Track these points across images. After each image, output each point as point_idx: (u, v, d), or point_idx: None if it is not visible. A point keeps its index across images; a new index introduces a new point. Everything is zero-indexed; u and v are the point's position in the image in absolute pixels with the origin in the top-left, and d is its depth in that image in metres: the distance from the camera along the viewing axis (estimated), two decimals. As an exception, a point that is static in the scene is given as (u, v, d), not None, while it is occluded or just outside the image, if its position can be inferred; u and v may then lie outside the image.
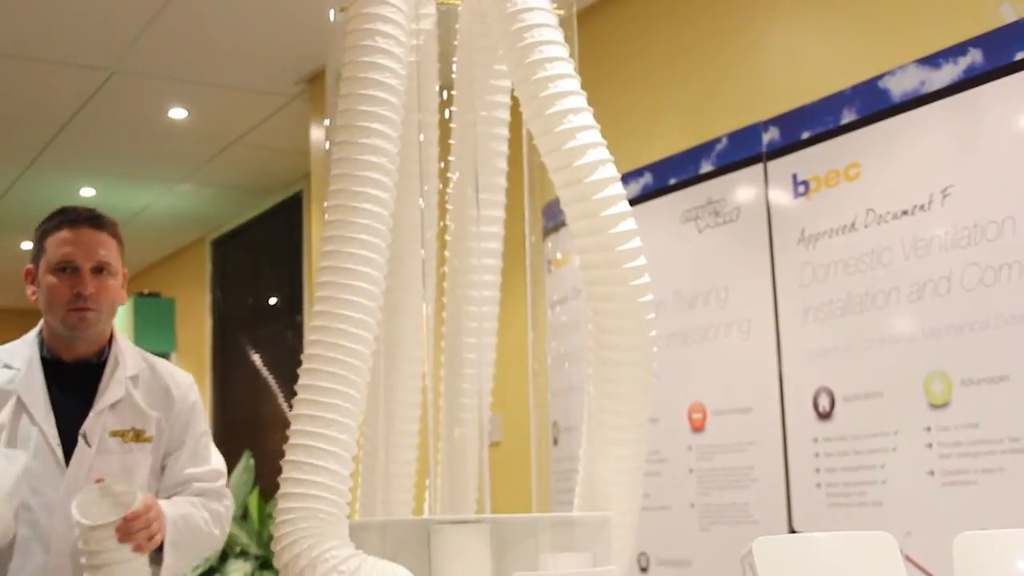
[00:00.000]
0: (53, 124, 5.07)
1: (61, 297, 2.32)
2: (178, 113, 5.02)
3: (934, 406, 2.50)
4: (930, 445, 2.50)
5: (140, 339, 6.99)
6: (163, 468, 2.44)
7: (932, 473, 2.49)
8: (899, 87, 2.64)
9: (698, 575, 3.06)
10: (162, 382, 2.47)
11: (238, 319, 6.62)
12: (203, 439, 2.52)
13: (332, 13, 2.03)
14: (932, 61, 2.58)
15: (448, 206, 2.32)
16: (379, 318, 1.84)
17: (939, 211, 2.53)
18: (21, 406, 2.34)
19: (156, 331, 7.07)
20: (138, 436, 2.40)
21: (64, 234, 2.37)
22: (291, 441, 1.75)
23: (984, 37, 2.49)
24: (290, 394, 1.86)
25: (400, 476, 2.29)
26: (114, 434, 2.35)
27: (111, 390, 2.38)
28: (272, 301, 6.27)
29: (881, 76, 2.69)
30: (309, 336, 1.81)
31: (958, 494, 2.44)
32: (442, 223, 2.34)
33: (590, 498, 2.12)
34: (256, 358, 6.33)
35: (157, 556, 2.29)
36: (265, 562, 4.15)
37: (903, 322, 2.58)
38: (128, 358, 2.45)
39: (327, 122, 2.01)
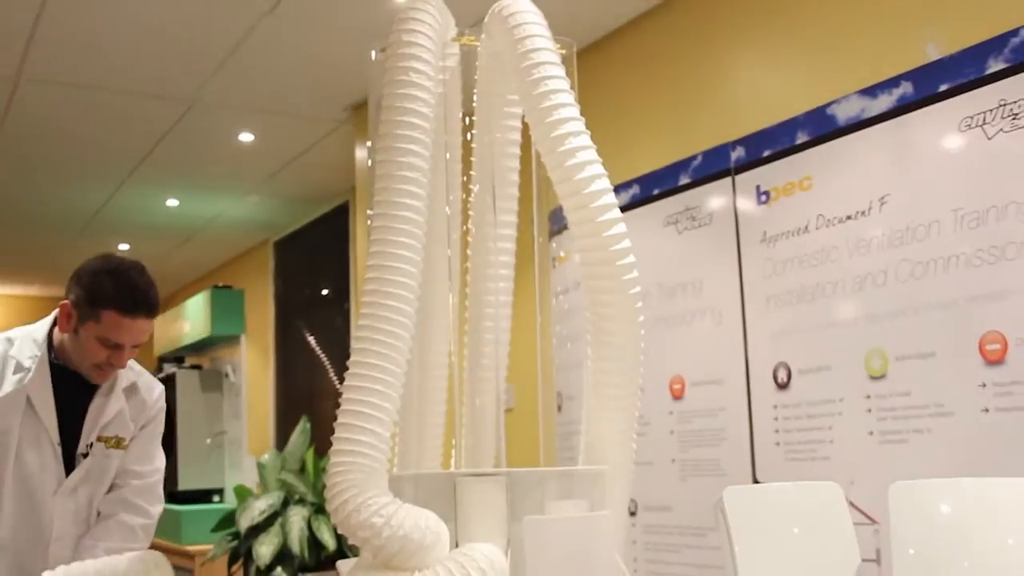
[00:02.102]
0: (144, 146, 5.09)
1: (95, 359, 2.24)
2: (246, 137, 5.02)
3: (873, 378, 2.49)
4: (869, 410, 2.50)
5: (216, 325, 7.00)
6: None
7: (871, 433, 2.49)
8: (844, 113, 2.63)
9: (677, 518, 3.06)
10: (141, 392, 2.40)
11: (296, 307, 6.63)
12: (154, 441, 2.44)
13: (374, 53, 2.03)
14: (871, 92, 2.57)
15: (470, 213, 2.32)
16: (416, 307, 1.84)
17: (877, 216, 2.52)
18: (31, 408, 2.24)
19: (229, 317, 7.07)
20: (118, 443, 2.34)
21: (120, 318, 2.22)
22: (342, 408, 1.75)
23: (914, 72, 2.48)
24: (339, 369, 1.87)
25: (431, 437, 2.29)
26: (100, 439, 2.28)
27: (111, 404, 2.32)
28: (324, 292, 6.27)
29: (829, 104, 2.69)
30: (359, 321, 1.81)
31: (892, 451, 2.43)
32: (465, 227, 2.34)
33: (591, 454, 2.12)
34: (311, 339, 6.34)
35: None
36: (319, 507, 4.16)
37: (847, 308, 2.58)
38: (122, 372, 2.36)
39: (369, 143, 2.01)
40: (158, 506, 2.46)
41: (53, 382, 2.27)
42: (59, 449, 2.25)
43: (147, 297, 2.25)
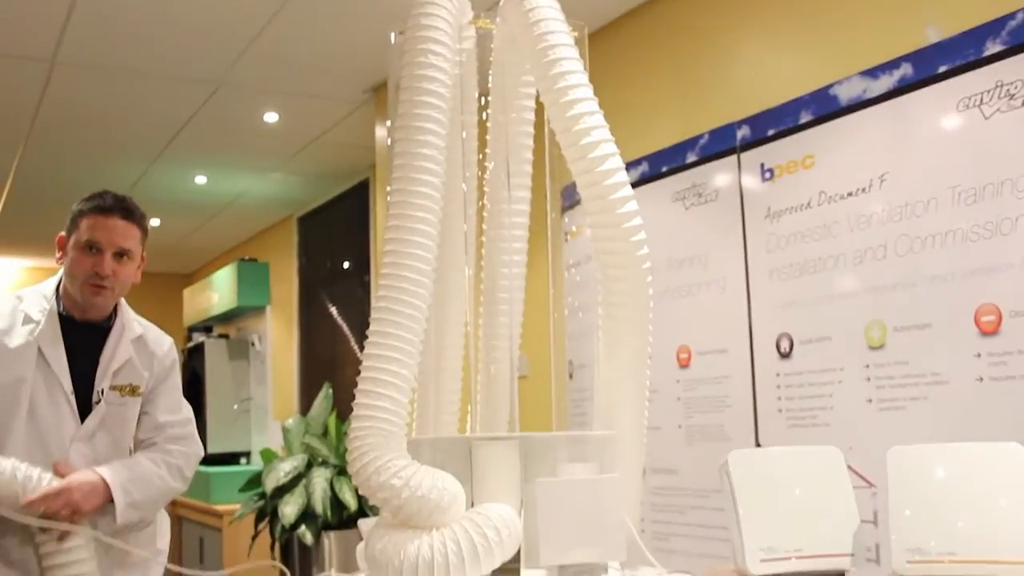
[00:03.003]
0: (173, 127, 5.09)
1: (82, 271, 2.23)
2: (271, 117, 5.02)
3: (872, 348, 2.49)
4: (868, 379, 2.49)
5: (242, 296, 7.02)
6: (141, 415, 2.35)
7: (870, 401, 2.49)
8: (846, 94, 2.61)
9: (683, 480, 3.07)
10: (151, 346, 2.39)
11: (319, 279, 6.64)
12: (176, 392, 2.43)
13: (393, 36, 2.02)
14: (872, 73, 2.55)
15: (485, 189, 2.31)
16: (433, 278, 1.84)
17: (877, 193, 2.51)
18: (43, 359, 2.22)
19: (254, 289, 7.09)
20: (133, 391, 2.32)
21: (96, 219, 2.24)
22: (363, 375, 1.76)
23: (914, 54, 2.46)
24: (360, 338, 1.87)
25: (447, 403, 2.30)
26: (114, 388, 2.27)
27: (120, 352, 2.30)
28: (345, 265, 6.28)
29: (831, 85, 2.66)
30: (378, 292, 1.81)
31: (890, 417, 2.43)
32: (480, 202, 2.33)
33: (603, 420, 2.12)
34: (333, 310, 6.35)
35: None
36: (341, 470, 4.18)
37: (848, 281, 2.57)
38: (131, 323, 2.35)
39: (388, 123, 2.01)
40: (197, 447, 2.45)
41: (64, 334, 2.26)
42: (72, 398, 2.23)
43: (121, 202, 2.28)
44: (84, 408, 2.26)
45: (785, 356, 2.74)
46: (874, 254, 2.50)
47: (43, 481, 2.10)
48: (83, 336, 2.29)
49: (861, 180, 2.55)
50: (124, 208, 2.27)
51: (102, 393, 2.26)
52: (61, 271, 2.32)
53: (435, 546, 1.67)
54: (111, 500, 2.22)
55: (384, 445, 1.71)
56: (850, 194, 2.58)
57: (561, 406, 2.40)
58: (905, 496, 1.23)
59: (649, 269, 2.10)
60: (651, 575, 2.09)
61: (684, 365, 3.09)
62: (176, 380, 2.49)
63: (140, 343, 2.37)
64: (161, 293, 7.98)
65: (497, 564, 1.75)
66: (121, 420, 2.30)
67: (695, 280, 3.07)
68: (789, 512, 1.28)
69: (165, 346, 2.45)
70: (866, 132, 2.55)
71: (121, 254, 2.25)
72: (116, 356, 2.30)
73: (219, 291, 7.36)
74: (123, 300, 2.38)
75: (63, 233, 2.29)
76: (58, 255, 2.29)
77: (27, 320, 2.24)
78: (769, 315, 2.80)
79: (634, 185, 2.05)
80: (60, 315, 2.27)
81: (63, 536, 2.11)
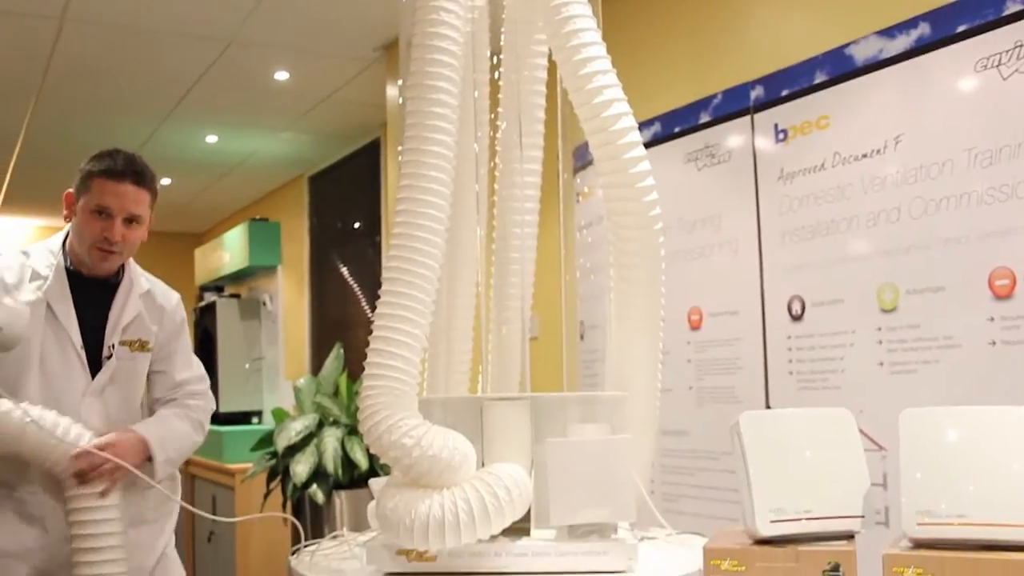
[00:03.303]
0: (184, 85, 5.07)
1: (91, 234, 2.21)
2: (282, 75, 5.00)
3: (884, 311, 2.48)
4: (880, 342, 2.49)
5: (254, 256, 7.03)
6: (155, 374, 2.36)
7: (881, 364, 2.48)
8: (861, 54, 2.59)
9: (693, 442, 3.08)
10: (159, 300, 2.38)
11: (330, 239, 6.64)
12: (188, 349, 2.45)
13: (404, -7, 2.00)
14: (889, 32, 2.52)
15: (497, 148, 2.31)
16: (445, 238, 1.84)
17: (892, 155, 2.49)
18: (52, 315, 2.22)
19: (265, 249, 7.09)
20: (143, 346, 2.32)
21: (107, 183, 2.21)
22: (374, 334, 1.77)
23: (932, 13, 2.43)
24: (370, 298, 1.87)
25: (458, 363, 2.31)
26: (123, 343, 2.27)
27: (129, 307, 2.30)
28: (356, 225, 6.28)
29: (847, 45, 2.64)
30: (389, 252, 1.81)
31: (901, 381, 2.43)
32: (492, 162, 2.33)
33: (615, 381, 2.13)
34: (344, 270, 6.36)
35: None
36: (352, 429, 4.20)
37: (861, 244, 2.56)
38: (138, 278, 2.35)
39: (400, 82, 2.00)
40: (212, 402, 2.48)
41: (71, 289, 2.25)
42: (83, 353, 2.23)
43: (133, 165, 2.24)
44: (94, 363, 2.26)
45: (797, 319, 2.73)
46: (888, 216, 2.48)
47: (83, 438, 2.13)
48: (91, 291, 2.29)
49: (876, 142, 2.53)
50: (135, 172, 2.24)
51: (112, 348, 2.26)
52: (68, 226, 2.31)
53: (446, 505, 1.69)
54: (148, 458, 2.27)
55: (396, 404, 1.72)
56: (865, 156, 2.56)
57: (572, 367, 2.41)
58: (916, 459, 1.23)
59: (661, 230, 2.09)
60: (661, 536, 2.10)
61: (695, 327, 3.09)
62: (187, 336, 2.51)
63: (148, 298, 2.37)
64: (172, 253, 7.99)
65: (507, 524, 1.76)
66: (131, 375, 2.31)
67: (707, 242, 3.06)
68: (799, 473, 1.29)
69: (173, 301, 2.45)
70: (882, 93, 2.53)
71: (131, 219, 2.24)
72: (125, 311, 2.30)
73: (230, 251, 7.37)
74: (131, 259, 2.38)
75: (71, 190, 2.27)
76: (65, 212, 2.28)
77: (35, 276, 2.23)
78: (781, 277, 2.79)
79: (647, 145, 2.04)
80: (68, 270, 2.27)
81: (104, 493, 2.14)
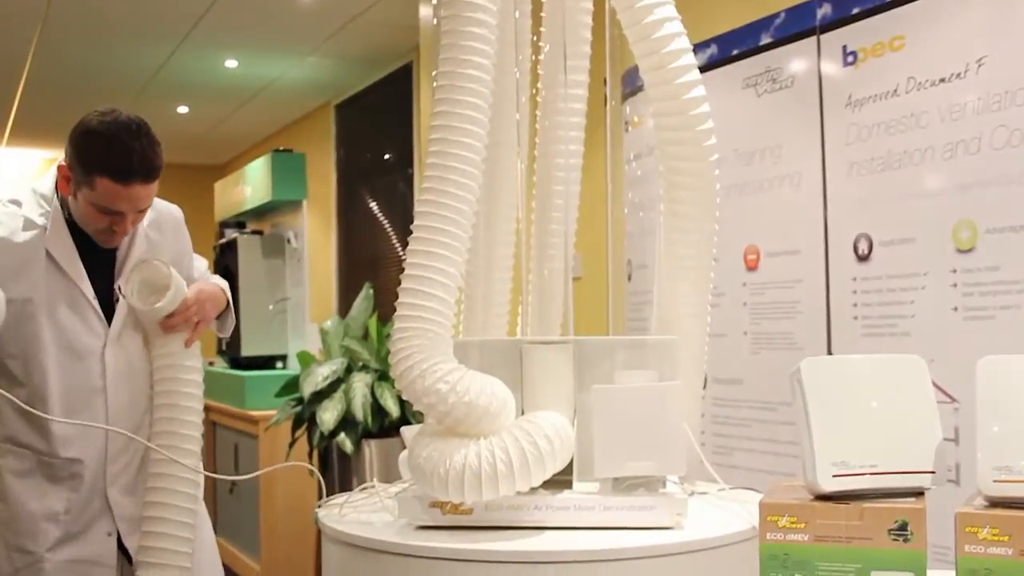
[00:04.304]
0: (200, 5, 5.06)
1: (97, 225, 2.17)
2: (306, -6, 4.97)
3: (960, 251, 2.45)
4: (955, 285, 2.46)
5: (277, 189, 7.05)
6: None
7: (956, 309, 2.46)
8: (942, -33, 2.52)
9: (747, 391, 3.07)
10: (168, 221, 2.39)
11: (358, 172, 6.65)
12: (191, 254, 2.51)
13: (439, -97, 1.97)
14: (974, -57, 2.45)
15: (539, 73, 2.29)
16: (482, 170, 1.83)
17: (974, 79, 2.44)
18: (56, 267, 2.19)
19: (290, 182, 7.11)
20: None
21: (115, 187, 2.10)
22: (406, 273, 1.77)
23: (1023, -80, 2.36)
24: (402, 236, 1.88)
25: (496, 304, 2.31)
26: (120, 292, 2.26)
27: (137, 247, 2.29)
28: (387, 157, 6.28)
29: (926, -43, 2.57)
30: (423, 185, 1.81)
31: (978, 327, 2.41)
32: (534, 89, 2.31)
33: (662, 324, 2.12)
34: (373, 205, 6.37)
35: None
36: (382, 374, 4.24)
37: (936, 177, 2.52)
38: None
39: (435, 1, 1.98)
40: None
41: (72, 236, 2.22)
42: (95, 303, 2.23)
43: (143, 162, 2.11)
44: (108, 311, 2.27)
45: (863, 259, 2.70)
46: (967, 147, 2.44)
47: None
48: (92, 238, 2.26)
49: (956, 65, 2.48)
50: (145, 172, 2.13)
51: (119, 290, 2.27)
52: (55, 168, 2.24)
53: (483, 455, 1.70)
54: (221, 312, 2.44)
55: (430, 347, 1.73)
56: (943, 80, 2.51)
57: (618, 309, 2.40)
58: (994, 411, 1.22)
59: (716, 162, 2.07)
60: (712, 491, 2.11)
61: (752, 267, 3.07)
62: (187, 243, 2.52)
63: (155, 226, 2.37)
64: (190, 186, 8.04)
65: (548, 475, 1.77)
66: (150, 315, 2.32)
67: (766, 175, 3.03)
68: (865, 425, 1.28)
69: (178, 214, 2.46)
70: (964, 11, 2.47)
71: (142, 211, 2.21)
72: (132, 252, 2.30)
73: (252, 184, 7.40)
74: None
75: (64, 163, 2.18)
76: (64, 187, 2.19)
77: (28, 226, 2.19)
78: (847, 214, 2.76)
79: (702, 70, 2.01)
80: (65, 217, 2.22)
81: (188, 342, 2.30)
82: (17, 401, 2.09)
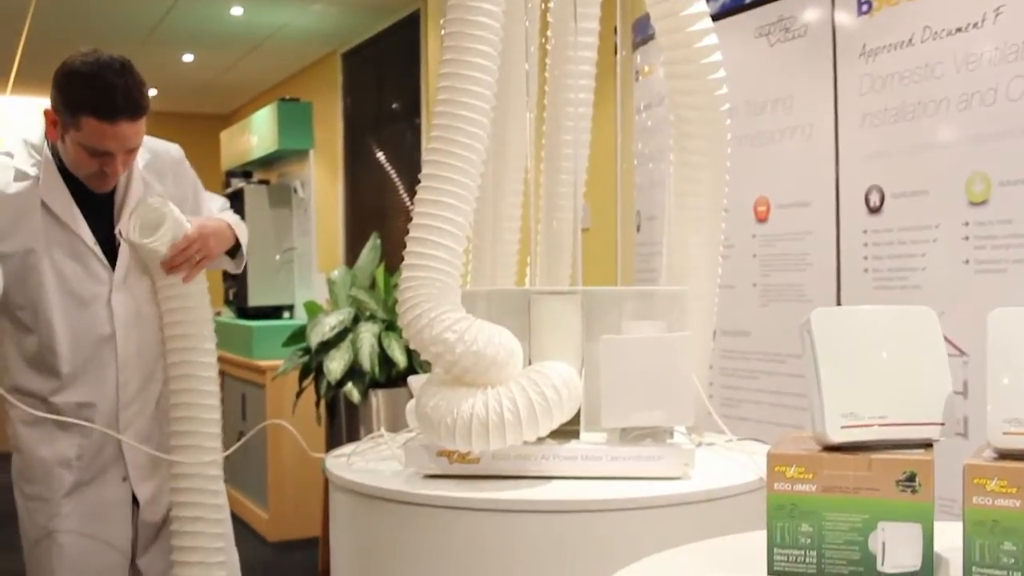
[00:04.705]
0: (206, -51, 5.01)
1: (88, 168, 2.15)
2: (312, -61, 4.92)
3: (973, 203, 2.43)
4: (967, 238, 2.45)
5: (284, 139, 7.03)
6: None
7: (967, 262, 2.45)
8: (960, -87, 2.48)
9: (755, 343, 3.07)
10: (166, 161, 2.35)
11: (365, 122, 6.62)
12: (208, 196, 2.50)
13: None
14: None
15: (549, 20, 2.27)
16: (491, 119, 1.82)
17: (991, 29, 2.41)
18: (50, 214, 2.17)
19: (296, 131, 7.09)
20: None
21: (101, 126, 2.07)
22: (414, 222, 1.77)
23: None
24: (409, 186, 1.87)
25: (505, 255, 2.31)
26: (121, 236, 2.24)
27: (132, 191, 2.26)
28: (394, 106, 6.24)
29: (944, -97, 2.53)
30: (431, 133, 1.80)
31: (989, 280, 2.40)
32: (544, 37, 2.29)
33: (672, 275, 2.12)
34: (380, 155, 6.35)
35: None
36: (390, 324, 4.25)
37: (950, 129, 2.50)
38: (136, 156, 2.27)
39: (443, -55, 1.95)
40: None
41: (67, 183, 2.20)
42: (97, 249, 2.21)
43: (128, 99, 2.08)
44: (111, 256, 2.26)
45: (874, 211, 2.69)
46: (982, 99, 2.42)
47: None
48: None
49: (973, 14, 2.44)
50: (131, 110, 2.09)
51: (120, 235, 2.25)
52: (44, 124, 2.20)
53: (490, 404, 1.71)
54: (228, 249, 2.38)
55: (437, 296, 1.73)
56: (959, 30, 2.48)
57: (627, 260, 2.41)
58: (1004, 363, 1.21)
59: (728, 112, 2.06)
60: (720, 442, 2.12)
61: (762, 219, 3.06)
62: (202, 187, 2.50)
63: (151, 164, 2.33)
64: (196, 135, 7.99)
65: (555, 425, 1.78)
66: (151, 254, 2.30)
67: (777, 125, 3.00)
68: (875, 376, 1.28)
69: (175, 155, 2.41)
70: (981, -41, 2.44)
71: (130, 151, 2.18)
72: (129, 195, 2.27)
73: (258, 133, 7.38)
74: None
75: (50, 108, 2.15)
76: (52, 132, 2.17)
77: (20, 176, 2.17)
78: (859, 165, 2.74)
79: (714, 18, 1.99)
80: (58, 166, 2.20)
81: (186, 279, 2.25)
82: None
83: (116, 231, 2.25)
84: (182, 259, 2.21)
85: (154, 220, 2.19)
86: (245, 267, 2.56)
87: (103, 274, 2.23)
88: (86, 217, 2.23)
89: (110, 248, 2.25)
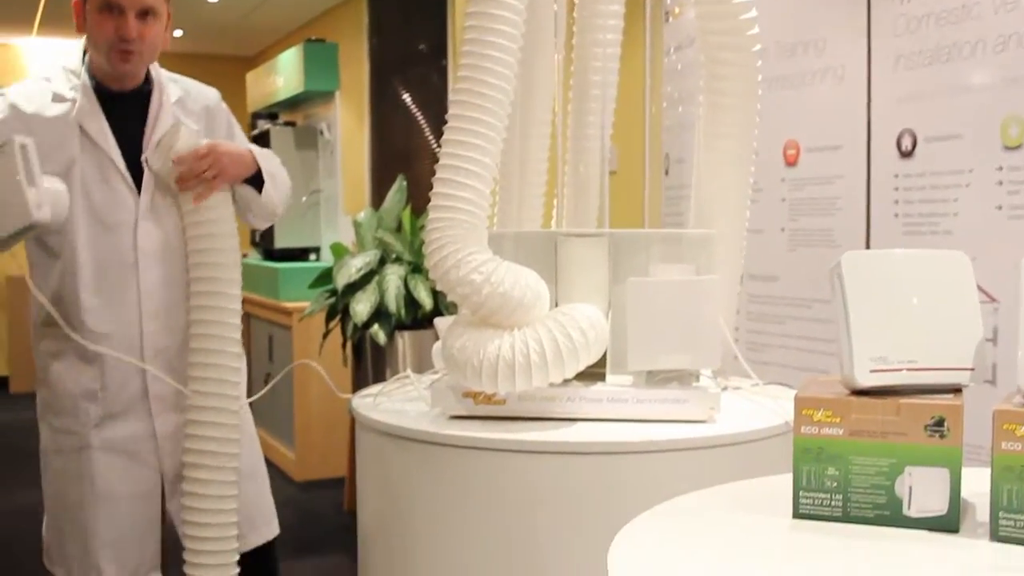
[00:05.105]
0: None
1: (106, 36, 2.18)
2: None
3: (1008, 148, 2.40)
4: (1000, 183, 2.42)
5: (309, 80, 7.00)
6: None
7: (1000, 207, 2.42)
8: None
9: (783, 288, 3.06)
10: (199, 102, 2.38)
11: (391, 63, 6.58)
12: (242, 139, 2.47)
13: None
14: None
15: (578, -41, 2.24)
16: (518, 59, 1.80)
17: (1029, -32, 2.36)
18: (87, 137, 2.22)
19: (322, 72, 7.05)
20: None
21: None
22: (441, 163, 1.76)
23: None
24: (436, 128, 1.86)
25: (531, 197, 2.30)
26: (146, 163, 2.26)
27: (163, 117, 2.29)
28: (420, 47, 6.20)
29: None
30: (458, 73, 1.79)
31: (1021, 227, 2.37)
32: (572, -24, 2.26)
33: (700, 218, 2.11)
34: (407, 97, 6.32)
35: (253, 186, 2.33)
36: (416, 267, 4.25)
37: (986, 71, 2.45)
38: (168, 86, 2.33)
39: None
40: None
41: (102, 107, 2.25)
42: (127, 174, 2.24)
43: None
44: (139, 185, 2.28)
45: (906, 155, 2.66)
46: (1020, 40, 2.37)
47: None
48: (123, 107, 2.28)
49: (1011, -47, 2.39)
50: None
51: (147, 162, 2.26)
52: (83, 41, 2.29)
53: (516, 346, 1.71)
54: (249, 180, 2.32)
55: (464, 238, 1.73)
56: (996, -30, 2.43)
57: (655, 203, 2.39)
58: (1037, 308, 1.20)
59: (758, 53, 2.03)
60: (745, 386, 2.11)
61: (791, 163, 3.03)
62: (241, 133, 2.50)
63: (185, 101, 2.36)
64: (221, 77, 7.94)
65: (581, 367, 1.78)
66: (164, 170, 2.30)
67: (809, 67, 2.96)
68: (905, 320, 1.27)
69: (212, 97, 2.44)
70: None
71: (145, 12, 2.20)
72: (160, 121, 2.30)
73: (284, 75, 7.35)
74: (155, 63, 2.35)
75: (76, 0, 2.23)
76: (80, 24, 2.24)
77: (58, 99, 2.23)
78: (891, 108, 2.70)
79: (748, -45, 1.95)
80: (94, 89, 2.26)
81: (197, 197, 2.22)
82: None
83: (143, 159, 2.26)
84: (191, 174, 2.19)
85: (168, 140, 2.20)
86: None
87: (130, 201, 2.25)
88: (120, 145, 2.25)
89: (139, 178, 2.27)
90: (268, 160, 2.39)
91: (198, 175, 2.19)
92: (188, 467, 2.24)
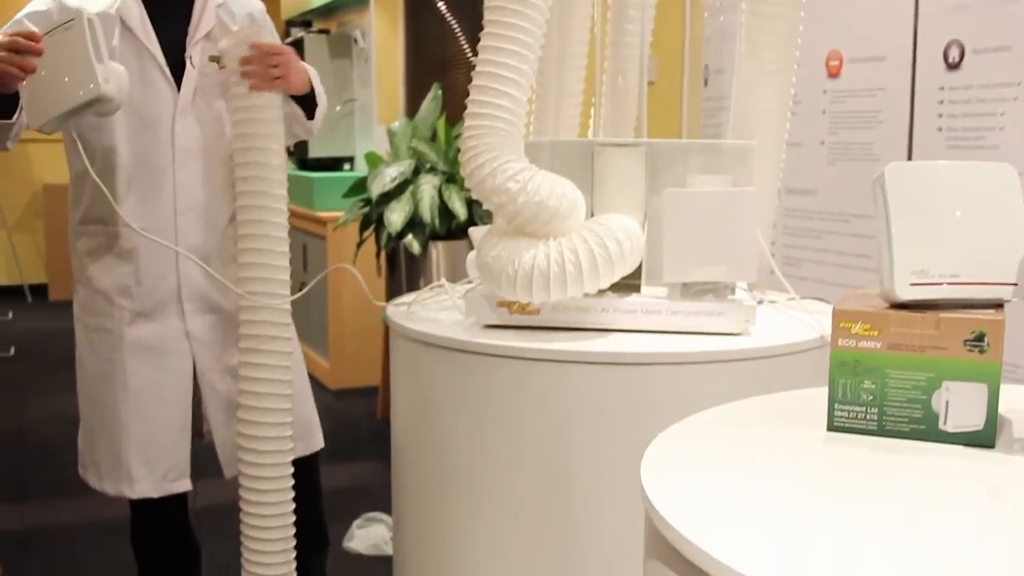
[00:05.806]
0: None
1: None
2: None
3: (1058, 60, 2.34)
4: (1049, 96, 2.36)
5: (340, -17, 6.92)
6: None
7: (1048, 121, 2.37)
8: None
9: (822, 202, 3.02)
10: (244, 8, 2.36)
11: (427, -30, 6.48)
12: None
13: None
14: None
15: None
16: (557, -38, 1.76)
17: None
18: (128, 31, 2.22)
19: (356, -22, 6.97)
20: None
21: None
22: (478, 70, 1.73)
23: None
24: (471, 37, 1.83)
25: (568, 106, 2.27)
26: (212, 59, 2.22)
27: (205, 19, 2.28)
28: (456, -47, 6.09)
29: None
30: (495, -24, 1.75)
31: (1069, 141, 2.32)
32: None
33: (740, 129, 2.08)
34: (441, 4, 6.23)
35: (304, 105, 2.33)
36: (450, 177, 4.24)
37: (1039, -20, 2.38)
38: None
39: None
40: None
41: (146, 7, 2.24)
42: (167, 70, 2.24)
43: None
44: (180, 81, 2.27)
45: (953, 67, 2.60)
46: (1075, -52, 2.30)
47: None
48: (166, 3, 2.27)
49: None
50: None
51: (191, 59, 2.25)
52: None
53: (551, 255, 1.70)
54: (302, 98, 2.31)
55: (501, 146, 1.71)
56: None
57: (694, 113, 2.36)
58: (1084, 222, 1.18)
59: (805, -42, 1.98)
60: (781, 300, 2.10)
61: (833, 74, 2.97)
62: (275, 38, 2.48)
63: (226, 8, 2.34)
64: (257, -18, 7.92)
65: (616, 278, 1.77)
66: (223, 89, 2.29)
67: (855, -24, 2.89)
68: (948, 233, 1.25)
69: (257, 6, 2.42)
70: None
71: None
72: (203, 21, 2.29)
73: (319, -20, 7.27)
74: None
75: None
76: None
77: None
78: (939, 18, 2.63)
79: None
80: None
81: (253, 87, 2.16)
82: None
83: (187, 56, 2.25)
84: (259, 62, 2.14)
85: (249, 32, 2.19)
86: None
87: (168, 96, 2.24)
88: (161, 42, 2.25)
89: (179, 77, 2.26)
90: (317, 81, 2.39)
91: (266, 68, 2.15)
92: (243, 381, 2.21)
